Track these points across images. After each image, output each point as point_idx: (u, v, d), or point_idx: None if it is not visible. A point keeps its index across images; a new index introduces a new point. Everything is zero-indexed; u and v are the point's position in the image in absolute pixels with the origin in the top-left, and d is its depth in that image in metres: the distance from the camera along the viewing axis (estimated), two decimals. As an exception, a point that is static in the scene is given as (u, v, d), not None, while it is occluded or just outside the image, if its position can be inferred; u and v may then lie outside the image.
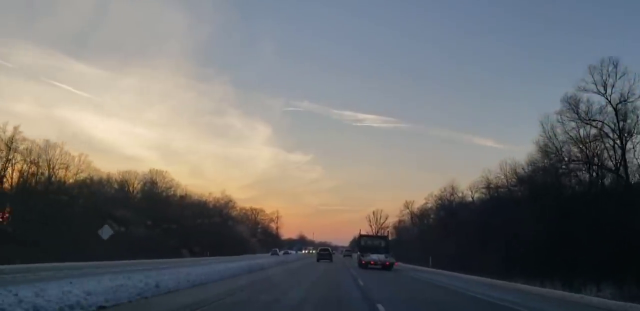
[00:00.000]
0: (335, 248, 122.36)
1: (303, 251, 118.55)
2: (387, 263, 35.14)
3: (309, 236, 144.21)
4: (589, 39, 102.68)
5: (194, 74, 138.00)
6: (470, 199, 59.22)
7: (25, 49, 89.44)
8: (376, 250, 37.70)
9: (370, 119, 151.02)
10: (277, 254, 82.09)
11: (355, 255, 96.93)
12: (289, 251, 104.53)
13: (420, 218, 78.91)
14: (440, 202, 66.52)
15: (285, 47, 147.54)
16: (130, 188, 62.39)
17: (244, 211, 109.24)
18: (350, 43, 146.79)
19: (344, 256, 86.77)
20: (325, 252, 55.17)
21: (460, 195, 62.68)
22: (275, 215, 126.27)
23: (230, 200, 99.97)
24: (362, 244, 41.27)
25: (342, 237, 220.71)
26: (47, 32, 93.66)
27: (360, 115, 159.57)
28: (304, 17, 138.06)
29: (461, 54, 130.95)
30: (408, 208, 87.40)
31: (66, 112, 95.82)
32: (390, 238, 53.47)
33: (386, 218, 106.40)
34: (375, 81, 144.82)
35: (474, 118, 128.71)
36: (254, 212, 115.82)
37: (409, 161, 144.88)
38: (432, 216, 73.13)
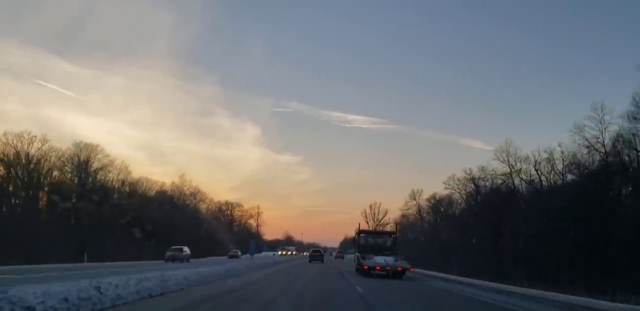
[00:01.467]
0: (325, 249, 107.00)
1: (280, 253, 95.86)
2: (400, 268, 25.93)
3: (297, 237, 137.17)
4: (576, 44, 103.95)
5: (182, 74, 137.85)
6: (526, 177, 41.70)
7: (11, 48, 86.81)
8: (380, 250, 29.58)
9: (360, 120, 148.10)
10: (180, 259, 40.58)
11: (348, 257, 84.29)
12: (238, 255, 61.49)
13: (433, 210, 63.35)
14: (471, 186, 50.10)
15: (273, 48, 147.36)
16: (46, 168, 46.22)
17: (217, 205, 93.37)
18: (339, 44, 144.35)
19: (336, 257, 79.22)
20: (317, 253, 55.61)
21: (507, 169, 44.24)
22: (256, 211, 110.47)
23: (198, 191, 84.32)
24: (362, 243, 31.82)
25: (331, 238, 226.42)
26: (33, 30, 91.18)
27: (350, 116, 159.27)
28: (292, 18, 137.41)
29: (450, 57, 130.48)
30: (415, 199, 72.18)
31: (52, 112, 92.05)
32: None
33: (385, 214, 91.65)
34: (364, 82, 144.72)
35: (462, 120, 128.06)
36: (230, 206, 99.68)
37: (398, 162, 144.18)
38: (442, 208, 58.05)
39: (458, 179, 52.38)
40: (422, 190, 72.74)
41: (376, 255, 27.55)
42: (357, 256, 29.97)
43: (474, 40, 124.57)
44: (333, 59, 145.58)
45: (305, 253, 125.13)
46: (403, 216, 76.90)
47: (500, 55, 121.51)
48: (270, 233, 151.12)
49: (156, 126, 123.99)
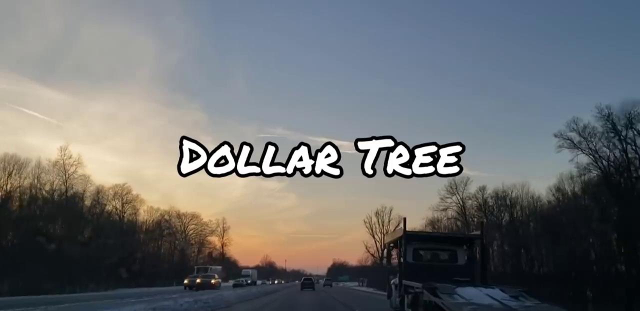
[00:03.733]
0: (310, 276, 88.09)
1: (187, 282, 47.58)
2: None
3: (281, 264, 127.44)
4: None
5: (165, 100, 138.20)
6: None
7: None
8: (445, 273, 12.87)
9: (345, 146, 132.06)
10: None
11: (340, 286, 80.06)
12: None
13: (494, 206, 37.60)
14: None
15: (257, 73, 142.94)
16: None
17: (158, 214, 66.60)
18: (324, 70, 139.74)
19: (324, 285, 74.75)
20: (309, 281, 55.33)
21: None
22: (220, 226, 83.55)
23: (127, 191, 58.19)
24: (410, 260, 13.57)
25: (317, 265, 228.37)
26: (12, 56, 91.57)
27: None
28: (276, 45, 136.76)
29: (433, 82, 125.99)
30: (456, 193, 48.02)
31: (31, 139, 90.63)
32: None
33: (399, 223, 66.16)
34: (350, 109, 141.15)
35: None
36: (182, 217, 72.69)
37: (385, 188, 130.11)
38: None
39: (592, 127, 27.71)
40: (468, 180, 49.17)
41: (452, 282, 11.56)
42: (409, 289, 12.44)
43: (461, 75, 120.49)
44: (318, 85, 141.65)
45: (279, 281, 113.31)
46: (433, 222, 51.75)
47: (487, 86, 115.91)
48: (252, 259, 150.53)
49: (139, 153, 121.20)
